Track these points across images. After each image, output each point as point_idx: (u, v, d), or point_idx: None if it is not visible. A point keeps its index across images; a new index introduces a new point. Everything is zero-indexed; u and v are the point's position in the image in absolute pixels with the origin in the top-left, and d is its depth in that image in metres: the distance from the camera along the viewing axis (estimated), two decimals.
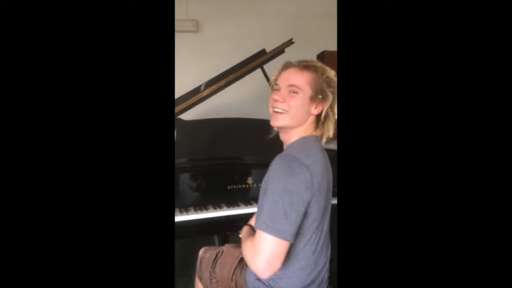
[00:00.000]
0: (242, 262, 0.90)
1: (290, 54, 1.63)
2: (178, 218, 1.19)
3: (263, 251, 0.63)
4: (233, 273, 0.88)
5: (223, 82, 1.49)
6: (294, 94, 0.75)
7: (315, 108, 0.76)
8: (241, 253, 0.90)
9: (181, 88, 1.64)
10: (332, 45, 2.53)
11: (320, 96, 0.75)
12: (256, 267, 0.64)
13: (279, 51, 1.58)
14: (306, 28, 2.43)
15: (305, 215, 0.69)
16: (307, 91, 0.75)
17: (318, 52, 2.32)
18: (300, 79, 0.75)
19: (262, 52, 1.58)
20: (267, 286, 0.78)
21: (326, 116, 0.76)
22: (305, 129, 0.77)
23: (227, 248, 0.98)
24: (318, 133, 0.78)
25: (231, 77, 1.49)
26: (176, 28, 2.73)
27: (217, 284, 0.92)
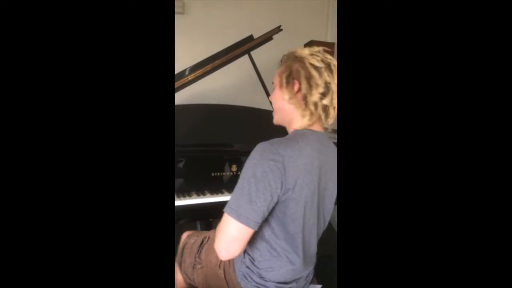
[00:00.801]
0: None
1: (278, 42, 1.62)
2: None
3: (224, 233, 0.65)
4: (221, 261, 0.87)
5: (209, 67, 1.45)
6: (274, 91, 0.79)
7: (296, 90, 0.73)
8: None
9: None
10: (320, 35, 2.53)
11: (290, 79, 0.74)
12: (216, 248, 0.66)
13: (266, 38, 1.55)
14: (295, 17, 2.40)
15: (284, 213, 0.69)
16: (278, 82, 0.76)
17: (306, 41, 2.31)
18: (275, 75, 0.78)
19: (250, 38, 1.55)
20: (255, 274, 0.78)
21: (305, 97, 0.73)
22: (297, 122, 0.76)
23: (213, 233, 0.96)
24: (306, 123, 0.74)
25: (217, 62, 1.45)
26: None
27: (202, 270, 0.90)
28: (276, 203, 0.68)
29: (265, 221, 0.71)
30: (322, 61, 0.73)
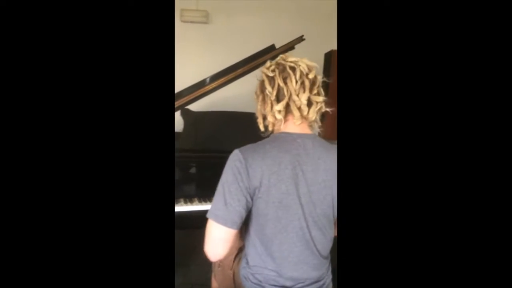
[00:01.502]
0: (240, 253, 0.92)
1: (300, 51, 1.63)
2: (182, 208, 1.20)
3: (208, 236, 0.73)
4: (233, 262, 0.91)
5: (231, 75, 1.48)
6: None
7: (260, 104, 0.83)
8: (240, 243, 0.92)
9: (187, 78, 1.65)
10: None
11: (258, 95, 0.83)
12: (205, 250, 0.74)
13: (289, 47, 1.57)
14: (317, 26, 2.41)
15: (257, 213, 0.75)
16: (255, 97, 0.86)
17: (327, 50, 2.31)
18: None
19: (272, 47, 1.57)
20: (252, 275, 0.81)
21: (265, 108, 0.81)
22: (272, 128, 0.83)
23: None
24: (277, 128, 0.81)
25: (239, 71, 1.48)
26: (186, 18, 2.71)
27: (220, 272, 0.96)
28: (254, 202, 0.75)
29: (250, 222, 0.78)
30: (276, 67, 0.80)
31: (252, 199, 0.74)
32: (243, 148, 0.76)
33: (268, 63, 0.83)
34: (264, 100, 0.82)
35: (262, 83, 0.82)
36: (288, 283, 0.79)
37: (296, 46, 1.61)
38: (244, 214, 0.73)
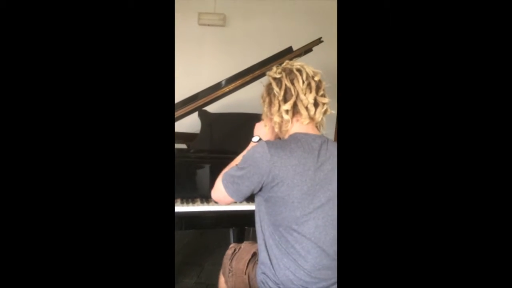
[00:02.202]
0: (254, 257, 0.92)
1: (318, 53, 1.62)
2: (198, 208, 1.21)
3: (215, 189, 0.85)
4: (247, 267, 0.91)
5: (248, 77, 1.49)
6: None
7: (268, 107, 0.85)
8: (255, 248, 0.92)
9: (204, 80, 1.67)
10: None
11: (265, 99, 0.86)
12: (212, 195, 0.87)
13: (307, 49, 1.56)
14: (335, 28, 2.39)
15: (276, 210, 0.77)
16: (262, 101, 0.89)
17: None
18: None
19: (289, 49, 1.57)
20: (271, 281, 0.80)
21: (272, 110, 0.83)
22: (282, 132, 0.85)
23: (245, 244, 1.03)
24: (285, 130, 0.83)
25: (257, 72, 1.49)
26: (203, 21, 2.76)
27: (232, 278, 0.96)
28: (268, 198, 0.77)
29: (263, 222, 0.81)
30: (283, 70, 0.83)
31: (261, 188, 0.77)
32: (270, 142, 0.78)
33: (274, 68, 0.86)
34: (270, 102, 0.84)
35: (268, 86, 0.84)
36: (310, 286, 0.78)
37: (314, 48, 1.60)
38: (248, 194, 0.80)
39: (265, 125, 0.90)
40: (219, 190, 0.83)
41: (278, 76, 0.82)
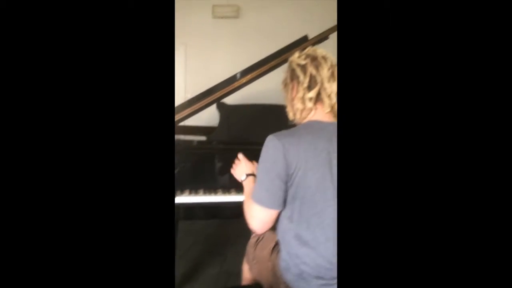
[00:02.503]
0: (278, 245, 0.94)
1: (334, 41, 1.59)
2: (219, 198, 1.25)
3: (254, 217, 0.82)
4: (271, 255, 0.92)
5: (264, 68, 1.49)
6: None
7: (291, 92, 0.85)
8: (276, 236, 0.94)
9: (220, 73, 1.68)
10: None
11: (287, 83, 0.86)
12: (251, 228, 0.84)
13: (322, 37, 1.54)
14: None
15: (293, 197, 0.78)
16: (282, 88, 0.90)
17: None
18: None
19: (304, 38, 1.55)
20: (293, 267, 0.81)
21: (296, 96, 0.83)
22: (299, 117, 0.85)
23: (268, 233, 1.03)
24: (305, 116, 0.83)
25: (272, 63, 1.49)
26: (217, 14, 2.76)
27: (256, 265, 0.98)
28: (290, 186, 0.78)
29: (284, 210, 0.81)
30: (307, 56, 0.82)
31: (287, 183, 0.78)
32: (278, 133, 0.79)
33: (297, 54, 0.85)
34: (293, 88, 0.84)
35: (292, 72, 0.84)
36: (334, 273, 0.78)
37: (330, 36, 1.57)
38: (283, 195, 0.79)
39: (289, 111, 0.89)
40: (255, 213, 0.80)
41: (303, 62, 0.82)
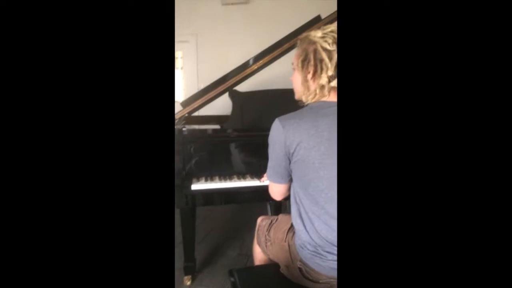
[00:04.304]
0: (292, 226, 0.96)
1: None
2: (236, 184, 1.27)
3: (270, 190, 0.96)
4: (286, 235, 0.95)
5: (277, 52, 1.47)
6: (293, 72, 0.89)
7: (309, 73, 0.82)
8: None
9: (231, 61, 1.68)
10: None
11: (305, 63, 0.83)
12: (272, 197, 0.97)
13: (335, 16, 1.49)
14: None
15: (298, 176, 0.83)
16: (296, 65, 0.86)
17: None
18: (294, 57, 0.88)
19: (317, 18, 1.51)
20: (308, 243, 0.83)
21: (314, 80, 0.82)
22: (308, 99, 0.84)
23: (281, 216, 1.07)
24: (317, 99, 0.83)
25: (286, 45, 1.46)
26: (227, 1, 2.72)
27: (272, 246, 1.01)
28: (294, 163, 0.82)
29: (295, 190, 0.87)
30: (334, 42, 0.78)
31: (291, 161, 0.83)
32: (283, 116, 0.83)
33: (320, 32, 0.80)
34: (314, 71, 0.80)
35: (315, 53, 0.79)
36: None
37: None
38: (287, 172, 0.87)
39: (304, 93, 0.88)
40: (270, 187, 0.94)
41: (330, 48, 0.77)
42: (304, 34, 0.85)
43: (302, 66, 0.82)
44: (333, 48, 0.77)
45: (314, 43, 0.79)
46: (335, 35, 0.78)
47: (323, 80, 0.78)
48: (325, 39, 0.78)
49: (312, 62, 0.80)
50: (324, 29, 0.80)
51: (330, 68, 0.77)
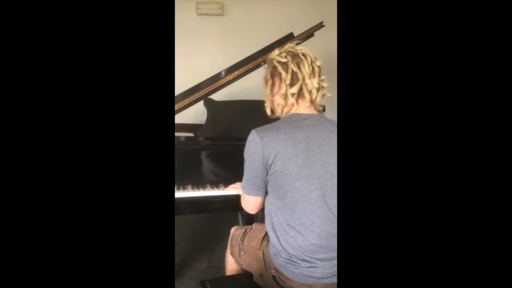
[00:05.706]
0: (267, 235, 0.97)
1: (320, 38, 1.62)
2: (208, 193, 1.26)
3: (243, 202, 0.96)
4: (261, 244, 0.95)
5: (250, 65, 1.51)
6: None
7: (273, 86, 0.90)
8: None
9: (206, 71, 1.68)
10: None
11: (268, 80, 0.91)
12: (245, 210, 0.97)
13: (308, 34, 1.57)
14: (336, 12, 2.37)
15: (276, 186, 0.84)
16: (263, 84, 0.95)
17: None
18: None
19: (290, 36, 1.58)
20: (282, 251, 0.85)
21: (278, 92, 0.88)
22: (280, 112, 0.90)
23: (255, 225, 1.08)
24: (286, 111, 0.88)
25: (259, 60, 1.50)
26: (201, 11, 2.74)
27: (246, 255, 1.01)
28: (271, 175, 0.84)
29: (269, 201, 0.88)
30: (288, 54, 0.86)
31: (268, 172, 0.84)
32: (259, 128, 0.85)
33: (277, 51, 0.89)
34: (274, 85, 0.89)
35: (274, 69, 0.88)
36: (318, 255, 0.82)
37: (316, 33, 1.60)
38: (264, 184, 0.87)
39: (267, 107, 0.95)
40: (243, 199, 0.93)
41: (284, 60, 0.85)
42: (270, 57, 0.92)
43: (266, 83, 0.92)
44: (286, 60, 0.85)
45: (271, 60, 0.89)
46: (291, 49, 0.87)
47: (283, 89, 0.85)
48: (280, 54, 0.87)
49: (272, 77, 0.89)
50: (281, 48, 0.90)
51: (286, 78, 0.84)
